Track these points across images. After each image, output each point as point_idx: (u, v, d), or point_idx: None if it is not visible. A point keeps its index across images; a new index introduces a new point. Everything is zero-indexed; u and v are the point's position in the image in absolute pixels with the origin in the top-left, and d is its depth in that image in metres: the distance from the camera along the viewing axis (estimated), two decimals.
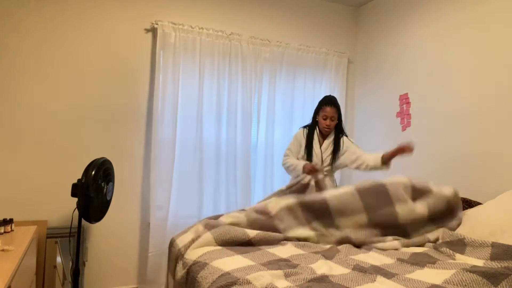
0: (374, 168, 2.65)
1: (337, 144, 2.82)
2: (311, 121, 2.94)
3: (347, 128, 3.94)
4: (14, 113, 2.76)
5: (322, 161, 2.81)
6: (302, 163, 2.76)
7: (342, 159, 2.83)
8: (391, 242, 2.09)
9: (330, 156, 2.81)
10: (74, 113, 2.93)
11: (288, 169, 2.91)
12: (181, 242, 2.12)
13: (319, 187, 2.62)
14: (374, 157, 2.64)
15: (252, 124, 3.46)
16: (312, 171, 2.66)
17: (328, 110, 2.78)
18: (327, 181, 2.75)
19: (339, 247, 2.00)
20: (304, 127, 2.94)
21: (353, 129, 4.02)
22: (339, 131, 2.87)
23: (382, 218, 2.21)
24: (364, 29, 3.95)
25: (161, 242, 3.07)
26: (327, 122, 2.79)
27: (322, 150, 2.82)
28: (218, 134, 3.32)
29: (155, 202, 3.08)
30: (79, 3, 2.94)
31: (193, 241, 2.03)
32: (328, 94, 3.79)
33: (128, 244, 3.09)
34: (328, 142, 2.84)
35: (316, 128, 2.87)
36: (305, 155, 2.84)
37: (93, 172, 2.46)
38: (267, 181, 3.53)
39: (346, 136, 2.91)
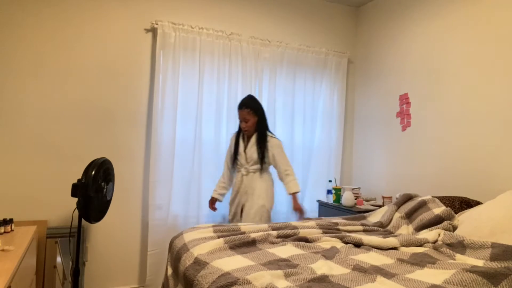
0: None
1: (260, 142, 2.92)
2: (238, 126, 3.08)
3: (347, 128, 3.99)
4: (14, 113, 2.76)
5: (246, 160, 2.95)
6: (214, 193, 3.08)
7: (272, 163, 2.98)
8: (389, 239, 2.09)
9: (256, 155, 2.91)
10: (74, 113, 2.93)
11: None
12: (188, 237, 2.12)
13: (243, 184, 2.93)
14: (288, 189, 2.95)
15: None
16: (211, 207, 3.09)
17: (240, 112, 2.93)
18: (255, 178, 2.93)
19: (339, 247, 2.00)
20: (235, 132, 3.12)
21: (353, 129, 4.03)
22: (259, 130, 2.96)
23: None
24: (364, 29, 3.95)
25: (161, 242, 3.07)
26: (243, 124, 2.94)
27: (247, 150, 2.95)
28: (218, 134, 3.32)
29: (154, 202, 3.08)
30: (79, 3, 2.94)
31: (202, 240, 2.04)
32: (328, 94, 3.83)
33: (128, 244, 3.09)
34: (252, 142, 2.95)
35: (242, 131, 3.02)
36: (233, 157, 3.01)
37: (93, 172, 2.46)
38: None
39: (269, 132, 3.02)
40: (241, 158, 2.97)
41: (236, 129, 3.16)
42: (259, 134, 2.95)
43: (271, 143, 2.95)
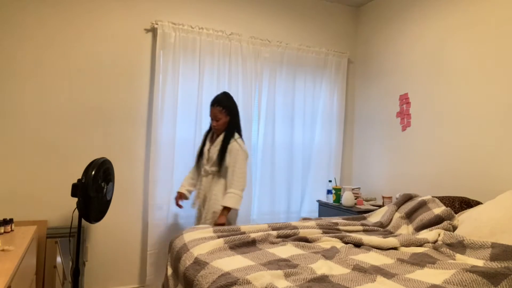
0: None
1: (223, 144, 2.70)
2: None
3: (347, 128, 3.99)
4: (14, 113, 2.76)
5: (207, 160, 2.76)
6: (181, 187, 2.89)
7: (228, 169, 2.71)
8: (389, 239, 2.09)
9: (215, 156, 2.70)
10: (74, 113, 2.93)
11: None
12: (188, 237, 2.12)
13: (202, 186, 2.78)
14: (223, 200, 2.65)
15: (252, 124, 3.46)
16: (177, 203, 2.85)
17: (211, 110, 2.74)
18: (213, 181, 2.72)
19: (339, 247, 2.00)
20: None
21: (353, 129, 4.02)
22: (227, 131, 2.75)
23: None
24: (364, 29, 3.95)
25: (161, 242, 3.08)
26: (213, 123, 2.75)
27: (210, 150, 2.76)
28: None
29: (154, 202, 3.08)
30: (79, 4, 2.94)
31: (202, 240, 2.05)
32: (328, 94, 3.83)
33: (128, 244, 3.09)
34: (217, 143, 2.75)
35: (211, 129, 2.87)
36: (198, 155, 2.88)
37: (93, 172, 2.46)
38: (268, 181, 3.53)
39: (238, 135, 2.77)
40: (204, 157, 2.80)
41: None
42: (226, 135, 2.73)
43: (231, 146, 2.68)
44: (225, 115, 2.73)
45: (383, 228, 2.52)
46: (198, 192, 2.82)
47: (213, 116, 2.72)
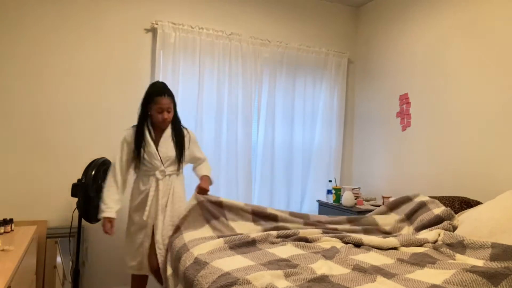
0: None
1: (177, 138, 2.40)
2: (138, 117, 2.40)
3: (347, 128, 3.99)
4: (14, 113, 2.76)
5: (162, 161, 2.34)
6: (108, 210, 2.27)
7: (189, 159, 2.52)
8: (388, 238, 2.09)
9: (173, 153, 2.37)
10: (74, 113, 2.93)
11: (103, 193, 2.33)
12: (188, 237, 2.12)
13: (160, 189, 2.34)
14: (199, 172, 2.54)
15: (252, 124, 3.46)
16: (110, 230, 2.29)
17: (163, 100, 2.29)
18: (173, 180, 2.40)
19: (339, 247, 2.00)
20: (133, 127, 2.42)
21: (353, 129, 4.02)
22: (175, 123, 2.42)
23: None
24: (364, 29, 3.95)
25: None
26: (165, 115, 2.31)
27: (160, 149, 2.34)
28: (218, 134, 3.32)
29: None
30: (79, 4, 2.94)
31: (202, 240, 2.05)
32: (328, 93, 3.83)
33: None
34: (165, 138, 2.37)
35: (147, 125, 2.37)
36: (137, 160, 2.34)
37: (93, 172, 2.46)
38: (268, 181, 3.54)
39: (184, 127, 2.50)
40: (153, 159, 2.32)
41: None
42: (176, 128, 2.40)
43: (191, 136, 2.48)
44: (174, 106, 2.38)
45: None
46: (152, 198, 2.33)
47: (167, 108, 2.31)
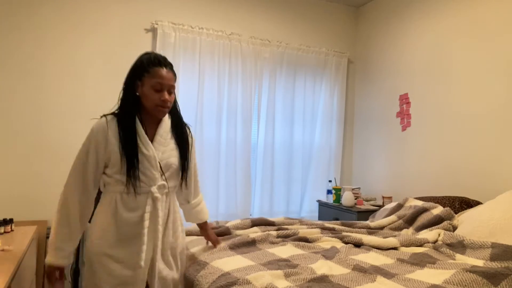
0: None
1: (178, 134, 1.61)
2: (120, 101, 1.60)
3: (347, 128, 3.99)
4: (14, 113, 2.76)
5: (161, 170, 1.53)
6: (56, 257, 1.46)
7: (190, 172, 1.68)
8: (389, 238, 2.09)
9: (177, 159, 1.58)
10: (75, 113, 2.93)
11: (58, 213, 1.53)
12: (188, 237, 2.10)
13: (157, 215, 1.50)
14: (196, 217, 1.79)
15: (252, 124, 3.46)
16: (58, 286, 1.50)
17: (165, 74, 1.48)
18: (173, 201, 1.63)
19: (339, 247, 2.00)
20: (112, 115, 1.59)
21: (353, 129, 4.02)
22: (174, 112, 1.63)
23: None
24: (364, 29, 3.95)
25: None
26: (165, 95, 1.49)
27: (159, 152, 1.53)
28: (218, 134, 3.32)
29: None
30: (79, 4, 2.94)
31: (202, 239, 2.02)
32: (328, 93, 3.83)
33: None
34: (163, 136, 1.55)
35: (138, 114, 1.53)
36: (124, 168, 1.46)
37: None
38: (268, 181, 3.54)
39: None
40: (150, 167, 1.49)
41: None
42: (175, 119, 1.62)
43: (193, 140, 1.71)
44: (174, 87, 1.56)
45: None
46: (145, 235, 1.46)
47: (168, 85, 1.49)
